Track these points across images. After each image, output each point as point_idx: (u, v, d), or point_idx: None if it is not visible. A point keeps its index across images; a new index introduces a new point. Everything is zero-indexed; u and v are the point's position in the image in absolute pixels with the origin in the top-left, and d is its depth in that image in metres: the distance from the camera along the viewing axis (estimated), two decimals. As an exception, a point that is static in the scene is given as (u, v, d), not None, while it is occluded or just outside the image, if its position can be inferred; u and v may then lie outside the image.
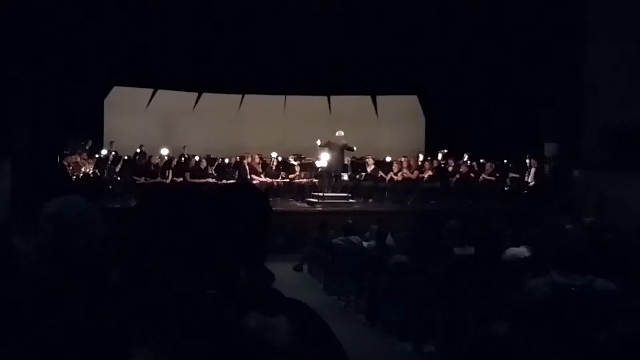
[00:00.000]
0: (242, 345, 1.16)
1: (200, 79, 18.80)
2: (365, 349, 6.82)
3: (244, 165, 16.98)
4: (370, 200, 16.94)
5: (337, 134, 16.43)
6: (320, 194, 15.96)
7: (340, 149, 16.34)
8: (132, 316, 1.21)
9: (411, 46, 17.89)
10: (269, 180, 16.91)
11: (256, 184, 15.12)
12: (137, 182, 16.01)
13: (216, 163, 17.45)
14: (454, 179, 16.93)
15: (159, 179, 16.32)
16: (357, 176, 17.54)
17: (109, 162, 16.35)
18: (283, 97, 20.15)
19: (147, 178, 16.20)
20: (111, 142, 17.52)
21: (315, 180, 16.98)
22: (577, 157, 15.07)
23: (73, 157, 15.63)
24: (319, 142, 16.24)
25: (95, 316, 1.73)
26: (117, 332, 1.40)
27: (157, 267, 1.18)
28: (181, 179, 16.39)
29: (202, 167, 16.97)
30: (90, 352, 1.57)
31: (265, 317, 1.21)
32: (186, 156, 17.61)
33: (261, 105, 19.85)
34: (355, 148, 16.53)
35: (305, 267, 12.65)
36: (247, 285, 1.45)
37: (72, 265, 2.18)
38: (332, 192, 16.09)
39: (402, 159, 17.54)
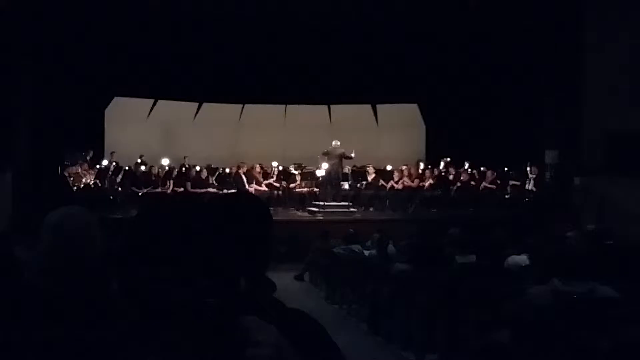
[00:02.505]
0: (243, 354, 1.16)
1: (201, 89, 18.84)
2: (367, 358, 6.81)
3: (240, 175, 16.96)
4: (371, 209, 16.93)
5: (332, 143, 16.45)
6: (321, 203, 15.95)
7: (338, 158, 16.36)
8: (132, 325, 1.21)
9: (411, 55, 17.94)
10: (269, 189, 16.90)
11: (257, 193, 15.10)
12: (137, 192, 16.01)
13: (217, 173, 17.45)
14: (455, 187, 16.92)
15: (159, 189, 16.33)
16: (358, 185, 17.53)
17: (110, 173, 16.34)
18: (283, 106, 20.18)
19: (148, 188, 16.19)
20: (112, 153, 17.52)
21: (316, 189, 16.98)
22: (577, 164, 15.07)
23: (74, 167, 15.63)
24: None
25: (96, 325, 1.73)
26: (117, 342, 1.40)
27: (157, 276, 1.18)
28: (182, 189, 16.38)
29: (203, 177, 16.97)
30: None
31: (267, 327, 1.21)
32: (187, 166, 17.62)
33: (262, 115, 19.87)
34: (353, 155, 16.49)
35: (306, 276, 12.63)
36: (248, 295, 1.45)
37: (73, 275, 2.18)
38: (333, 200, 16.08)
39: (403, 168, 17.54)
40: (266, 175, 17.51)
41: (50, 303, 2.01)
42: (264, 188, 16.92)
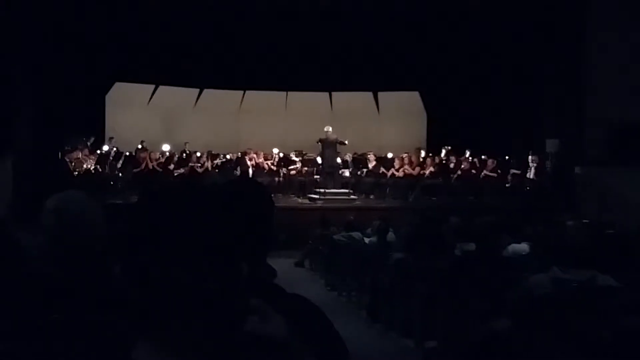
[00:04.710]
0: (243, 340, 1.16)
1: (202, 75, 18.80)
2: (366, 345, 6.82)
3: (245, 161, 16.98)
4: (372, 197, 16.92)
5: (325, 129, 16.32)
6: (322, 190, 15.94)
7: (333, 145, 16.25)
8: (133, 310, 1.20)
9: (413, 43, 17.88)
10: (270, 176, 16.90)
11: (259, 179, 15.06)
12: (137, 171, 16.08)
13: (217, 159, 17.45)
14: (456, 175, 16.91)
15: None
16: (359, 172, 17.52)
17: (111, 158, 16.33)
18: (284, 93, 20.15)
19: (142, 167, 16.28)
20: (110, 138, 17.52)
21: (316, 176, 16.96)
22: (578, 154, 15.05)
23: (75, 153, 15.62)
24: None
25: (97, 310, 1.73)
26: (118, 326, 1.40)
27: (158, 261, 1.17)
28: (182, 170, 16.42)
29: (203, 163, 16.97)
30: (92, 346, 1.57)
31: (267, 313, 1.21)
32: (187, 152, 17.62)
33: (263, 102, 19.84)
34: (347, 142, 16.41)
35: (306, 263, 12.66)
36: (248, 281, 1.44)
37: (74, 260, 2.18)
38: (333, 188, 16.06)
39: (404, 155, 17.52)
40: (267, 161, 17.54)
41: (51, 288, 2.01)
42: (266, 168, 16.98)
